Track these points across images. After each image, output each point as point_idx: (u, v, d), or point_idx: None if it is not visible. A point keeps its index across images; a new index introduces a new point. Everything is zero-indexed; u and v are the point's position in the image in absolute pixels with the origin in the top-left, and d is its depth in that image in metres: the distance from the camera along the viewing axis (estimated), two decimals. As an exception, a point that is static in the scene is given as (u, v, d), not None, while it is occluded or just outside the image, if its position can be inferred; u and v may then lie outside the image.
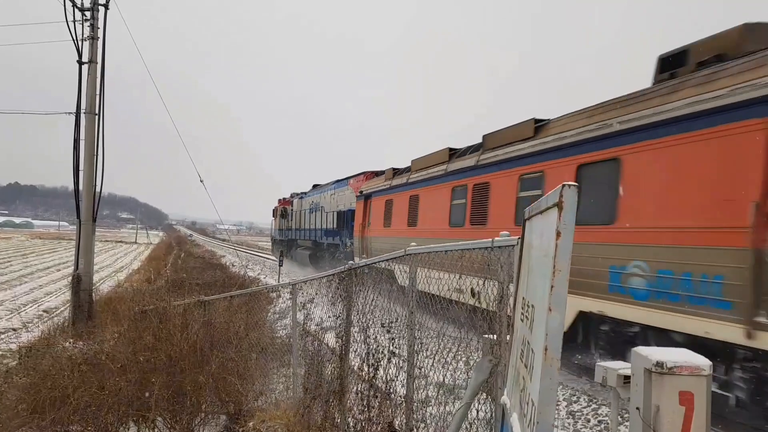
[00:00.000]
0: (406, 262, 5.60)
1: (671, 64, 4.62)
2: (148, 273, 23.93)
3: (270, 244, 45.24)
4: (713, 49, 4.24)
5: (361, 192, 17.66)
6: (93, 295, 14.45)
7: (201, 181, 12.24)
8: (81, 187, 13.49)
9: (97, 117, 13.52)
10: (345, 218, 23.37)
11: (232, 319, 9.84)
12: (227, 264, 31.94)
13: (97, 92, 13.55)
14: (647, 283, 4.06)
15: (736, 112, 3.11)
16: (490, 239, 3.91)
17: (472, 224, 7.93)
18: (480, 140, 7.59)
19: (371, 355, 6.02)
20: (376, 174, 19.47)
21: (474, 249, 4.28)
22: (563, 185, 1.64)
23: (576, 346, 5.37)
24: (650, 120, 4.10)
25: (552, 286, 1.61)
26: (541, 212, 2.05)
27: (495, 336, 3.80)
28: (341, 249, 23.87)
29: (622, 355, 4.29)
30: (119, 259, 41.82)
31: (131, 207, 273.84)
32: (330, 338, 7.63)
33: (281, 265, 25.49)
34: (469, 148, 8.80)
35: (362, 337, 6.36)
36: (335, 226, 25.34)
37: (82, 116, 13.36)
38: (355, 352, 6.63)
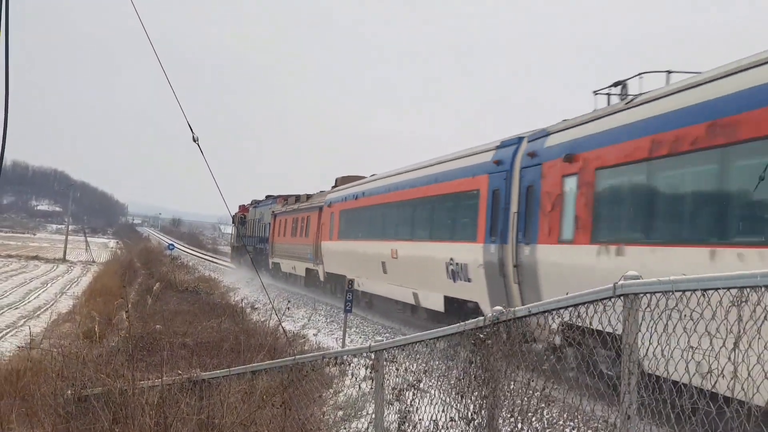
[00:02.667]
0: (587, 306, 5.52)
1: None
2: (88, 321, 25.19)
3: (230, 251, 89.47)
4: (341, 181, 45.43)
5: (272, 212, 60.47)
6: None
7: (194, 139, 12.71)
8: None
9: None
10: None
11: (254, 419, 10.15)
12: (243, 305, 33.03)
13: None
14: (310, 255, 46.51)
15: (315, 209, 46.03)
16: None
17: (295, 236, 52.07)
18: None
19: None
20: (288, 198, 59.10)
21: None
22: None
23: (320, 283, 46.34)
24: (305, 206, 49.80)
25: None
26: None
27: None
28: (264, 252, 63.22)
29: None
30: (33, 293, 44.33)
31: (57, 191, 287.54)
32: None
33: (349, 311, 26.07)
34: (300, 197, 54.36)
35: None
36: (268, 234, 62.68)
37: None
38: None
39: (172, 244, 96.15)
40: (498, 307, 7.19)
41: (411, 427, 8.63)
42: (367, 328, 30.62)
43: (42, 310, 35.29)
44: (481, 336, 7.21)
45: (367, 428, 10.08)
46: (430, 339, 8.76)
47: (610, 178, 16.52)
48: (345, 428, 11.47)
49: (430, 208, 27.26)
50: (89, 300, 34.54)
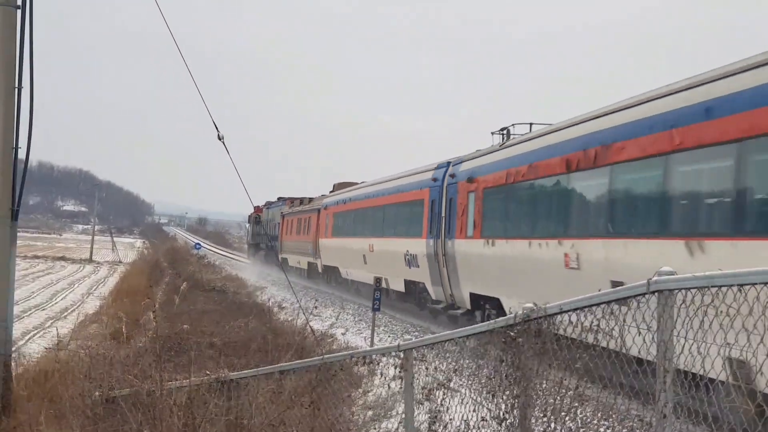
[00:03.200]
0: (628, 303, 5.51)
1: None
2: (116, 322, 25.34)
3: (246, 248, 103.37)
4: (337, 186, 56.83)
5: (281, 213, 72.19)
6: (12, 366, 15.37)
7: (219, 137, 12.76)
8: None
9: (20, 12, 14.42)
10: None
11: (283, 419, 10.16)
12: (270, 304, 33.15)
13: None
14: (311, 250, 56.74)
15: (314, 211, 55.77)
16: None
17: (299, 234, 62.60)
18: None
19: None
20: (294, 200, 70.82)
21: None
22: None
23: (319, 275, 55.78)
24: (307, 208, 60.25)
25: None
26: None
27: None
28: (275, 249, 71.29)
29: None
30: (60, 294, 44.70)
31: (83, 191, 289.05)
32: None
33: (377, 309, 26.13)
34: (303, 200, 65.30)
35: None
36: (278, 233, 73.90)
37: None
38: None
39: (199, 244, 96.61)
40: (528, 304, 7.17)
41: (442, 427, 8.62)
42: (395, 326, 30.68)
43: (69, 311, 35.60)
44: (512, 334, 7.18)
45: (397, 428, 10.08)
46: (459, 337, 8.75)
47: (490, 195, 24.84)
48: (375, 428, 11.48)
49: (395, 212, 36.88)
50: (116, 300, 34.78)
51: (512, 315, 7.27)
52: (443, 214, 28.97)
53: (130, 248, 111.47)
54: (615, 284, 13.10)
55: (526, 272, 21.40)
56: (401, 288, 35.79)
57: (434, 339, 9.41)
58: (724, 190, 13.99)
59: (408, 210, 34.32)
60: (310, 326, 20.44)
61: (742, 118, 13.27)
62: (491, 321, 7.94)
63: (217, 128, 13.30)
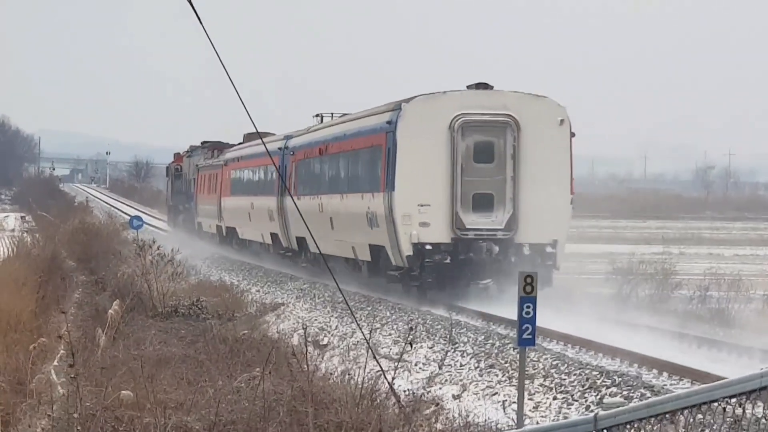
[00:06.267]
0: None
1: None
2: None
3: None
4: (246, 138, 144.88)
5: (196, 166, 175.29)
6: None
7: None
8: None
9: None
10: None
11: None
12: (299, 340, 33.25)
13: None
14: (217, 211, 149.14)
15: (220, 166, 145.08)
16: None
17: (209, 193, 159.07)
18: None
19: None
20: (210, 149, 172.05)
21: None
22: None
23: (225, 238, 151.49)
24: (216, 162, 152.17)
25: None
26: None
27: None
28: (191, 211, 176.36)
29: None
30: None
31: None
32: None
33: (529, 342, 26.24)
34: (215, 150, 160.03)
35: None
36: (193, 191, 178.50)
37: None
38: None
39: (139, 218, 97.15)
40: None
41: None
42: (567, 377, 28.89)
43: None
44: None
45: None
46: (728, 397, 8.33)
47: (299, 165, 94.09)
48: None
49: (262, 173, 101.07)
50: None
51: None
52: (283, 177, 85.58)
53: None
54: (331, 220, 79.81)
55: (310, 218, 67.80)
56: (269, 240, 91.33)
57: (671, 402, 9.01)
58: (346, 173, 79.63)
59: (268, 171, 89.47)
60: (391, 385, 20.48)
61: (350, 141, 77.77)
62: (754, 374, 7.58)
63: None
